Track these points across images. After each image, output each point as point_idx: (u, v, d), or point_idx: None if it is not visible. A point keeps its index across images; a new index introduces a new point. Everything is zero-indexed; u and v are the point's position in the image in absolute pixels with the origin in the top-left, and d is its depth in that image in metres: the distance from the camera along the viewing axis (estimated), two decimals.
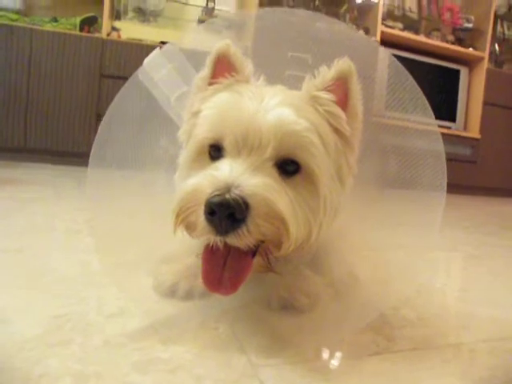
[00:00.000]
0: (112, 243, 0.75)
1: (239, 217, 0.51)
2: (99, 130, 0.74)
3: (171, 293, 0.70)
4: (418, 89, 0.74)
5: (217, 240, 0.54)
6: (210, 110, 0.63)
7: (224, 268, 0.56)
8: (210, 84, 0.68)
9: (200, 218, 0.53)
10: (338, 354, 0.56)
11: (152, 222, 0.80)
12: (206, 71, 0.70)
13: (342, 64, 0.65)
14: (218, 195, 0.51)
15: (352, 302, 0.73)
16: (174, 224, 0.58)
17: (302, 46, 0.83)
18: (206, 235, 0.55)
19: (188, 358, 0.52)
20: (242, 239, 0.53)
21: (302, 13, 0.94)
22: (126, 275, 0.74)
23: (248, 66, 0.68)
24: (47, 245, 1.00)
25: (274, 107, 0.59)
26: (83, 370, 0.48)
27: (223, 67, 0.68)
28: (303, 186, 0.60)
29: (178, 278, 0.71)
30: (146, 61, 0.79)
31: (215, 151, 0.61)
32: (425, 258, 0.73)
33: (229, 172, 0.54)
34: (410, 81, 0.75)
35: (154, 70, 0.77)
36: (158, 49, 0.80)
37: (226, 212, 0.50)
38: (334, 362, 0.55)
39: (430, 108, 0.73)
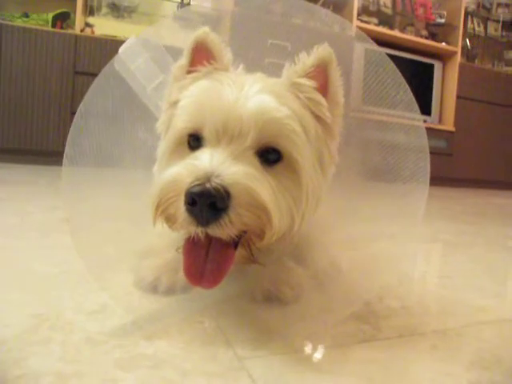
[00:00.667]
0: (91, 241, 0.73)
1: (220, 206, 0.50)
2: (74, 121, 0.71)
3: (152, 288, 0.68)
4: (399, 73, 0.74)
5: (198, 231, 0.52)
6: (188, 98, 0.62)
7: (206, 260, 0.55)
8: (189, 72, 0.67)
9: (180, 209, 0.52)
10: (326, 343, 0.56)
11: (130, 219, 0.78)
12: (183, 60, 0.68)
13: (322, 51, 0.64)
14: (198, 185, 0.49)
15: (336, 291, 0.72)
16: (154, 216, 0.56)
17: (282, 33, 0.82)
18: (186, 227, 0.53)
19: (173, 353, 0.50)
20: (223, 229, 0.51)
21: (280, 2, 0.94)
22: (106, 272, 0.72)
23: (227, 55, 0.67)
24: (22, 244, 0.97)
25: (254, 95, 0.58)
26: (64, 369, 0.46)
27: (202, 55, 0.66)
28: (285, 174, 0.59)
29: (158, 273, 0.70)
30: (122, 49, 0.76)
31: (194, 141, 0.60)
32: (406, 248, 0.73)
33: (209, 161, 0.53)
34: (397, 73, 0.75)
35: (130, 58, 0.75)
36: (133, 37, 0.77)
37: (207, 201, 0.49)
38: (322, 351, 0.54)
39: (415, 102, 0.74)
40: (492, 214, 2.47)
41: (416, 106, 0.74)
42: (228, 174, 0.51)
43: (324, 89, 0.65)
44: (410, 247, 0.81)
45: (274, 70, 0.68)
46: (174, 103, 0.65)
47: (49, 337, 0.53)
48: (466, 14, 4.23)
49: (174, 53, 0.81)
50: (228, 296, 0.68)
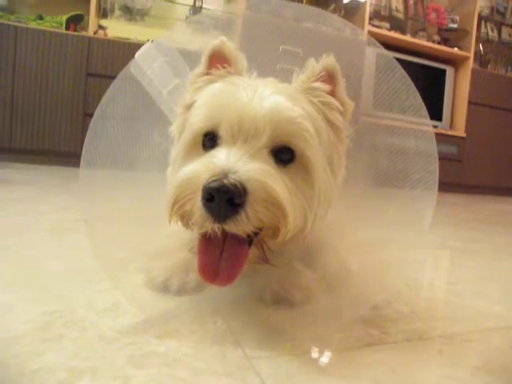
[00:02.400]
0: (105, 241, 0.74)
1: (238, 201, 0.50)
2: (91, 125, 0.73)
3: (163, 288, 0.69)
4: (409, 79, 0.75)
5: (214, 227, 0.53)
6: (203, 99, 0.63)
7: (220, 258, 0.56)
8: (204, 76, 0.68)
9: (197, 205, 0.53)
10: (333, 346, 0.57)
11: (142, 220, 0.79)
12: (201, 68, 0.70)
13: (329, 59, 0.67)
14: (215, 180, 0.50)
15: (344, 294, 0.73)
16: (169, 214, 0.57)
17: (293, 38, 0.83)
18: (203, 223, 0.54)
19: (183, 352, 0.51)
20: (240, 225, 0.52)
21: (293, 7, 0.95)
22: (119, 272, 0.73)
23: (242, 61, 0.69)
24: (35, 243, 0.98)
25: (268, 95, 0.59)
26: (78, 364, 0.47)
27: (218, 62, 0.68)
28: (298, 174, 0.60)
29: (169, 273, 0.71)
30: (138, 53, 0.78)
31: (209, 141, 0.61)
32: (414, 254, 0.74)
33: (226, 158, 0.54)
34: (406, 78, 0.75)
35: (146, 63, 0.77)
36: (149, 42, 0.79)
37: (225, 197, 0.50)
38: (330, 354, 0.55)
39: (424, 107, 0.74)
40: (501, 221, 2.45)
41: (425, 111, 0.75)
42: (245, 170, 0.52)
43: (332, 95, 0.67)
44: (419, 253, 0.81)
45: (286, 76, 0.69)
46: (189, 106, 0.66)
47: (62, 334, 0.54)
48: (480, 18, 4.20)
49: (188, 56, 0.83)
50: (238, 297, 0.69)
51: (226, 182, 0.50)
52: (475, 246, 1.52)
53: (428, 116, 0.74)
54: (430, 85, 4.07)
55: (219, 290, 0.66)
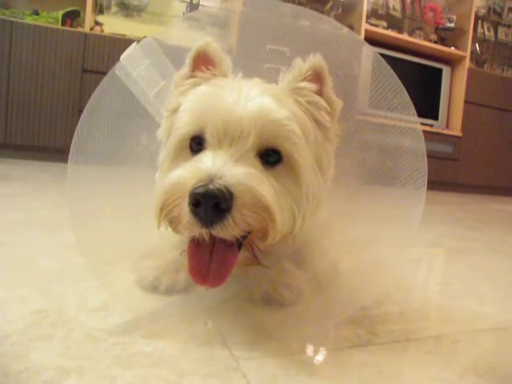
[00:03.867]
0: (94, 239, 0.74)
1: (224, 206, 0.50)
2: (78, 127, 0.72)
3: (153, 288, 0.69)
4: (401, 84, 0.74)
5: (202, 232, 0.53)
6: (189, 102, 0.63)
7: (210, 260, 0.56)
8: (188, 78, 0.68)
9: (184, 210, 0.53)
10: (321, 347, 0.57)
11: (132, 219, 0.79)
12: (185, 69, 0.69)
13: (316, 58, 0.66)
14: (201, 186, 0.50)
15: (334, 295, 0.73)
16: (158, 219, 0.57)
17: (285, 39, 0.83)
18: (190, 228, 0.54)
19: (171, 353, 0.51)
20: (227, 230, 0.52)
21: (288, 7, 0.94)
22: (107, 271, 0.73)
23: (227, 62, 0.68)
24: (27, 240, 0.98)
25: (254, 97, 0.59)
26: (65, 364, 0.47)
27: (202, 64, 0.68)
28: (286, 175, 0.60)
29: (159, 272, 0.71)
30: (123, 56, 0.77)
31: (196, 144, 0.61)
32: (405, 252, 0.74)
33: (211, 163, 0.54)
34: (394, 77, 0.75)
35: (132, 65, 0.76)
36: (135, 44, 0.78)
37: (211, 202, 0.50)
38: (317, 355, 0.55)
39: (412, 105, 0.74)
40: (497, 221, 2.46)
41: (413, 109, 0.74)
42: (230, 175, 0.52)
43: (320, 94, 0.66)
44: (412, 252, 0.80)
45: (274, 75, 0.69)
46: (174, 110, 0.66)
47: (50, 333, 0.54)
48: (477, 18, 4.21)
49: (184, 53, 0.82)
50: (227, 297, 0.68)
51: (211, 187, 0.50)
52: (469, 245, 1.52)
53: (416, 114, 0.74)
54: (426, 84, 4.07)
55: (209, 290, 0.65)
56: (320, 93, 0.67)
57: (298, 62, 0.66)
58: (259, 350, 0.54)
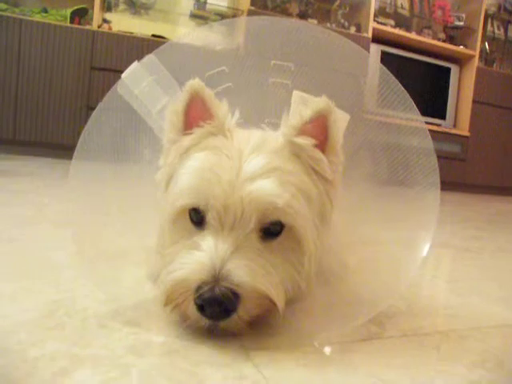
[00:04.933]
0: (92, 235, 0.75)
1: (230, 307, 0.51)
2: (80, 141, 0.73)
3: None
4: (406, 92, 0.74)
5: (209, 324, 0.54)
6: (187, 172, 0.61)
7: None
8: (181, 132, 0.66)
9: (190, 308, 0.53)
10: (330, 339, 0.57)
11: (137, 215, 0.80)
12: (179, 106, 0.66)
13: (320, 102, 0.62)
14: (207, 290, 0.51)
15: (342, 291, 0.73)
16: (164, 305, 0.56)
17: (288, 54, 0.82)
18: (198, 321, 0.54)
19: (183, 343, 0.52)
20: (233, 325, 0.54)
21: (286, 22, 0.94)
22: (115, 266, 0.73)
23: (223, 108, 0.65)
24: (38, 235, 1.00)
25: (255, 178, 0.57)
26: (79, 352, 0.48)
27: (197, 107, 0.65)
28: (287, 245, 0.59)
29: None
30: (125, 75, 0.77)
31: (196, 214, 0.59)
32: (418, 252, 0.73)
33: (214, 254, 0.53)
34: (397, 84, 0.75)
35: (134, 83, 0.76)
36: (136, 62, 0.78)
37: (217, 309, 0.51)
38: (326, 347, 0.55)
39: (417, 110, 0.74)
40: (504, 221, 2.45)
41: (415, 109, 0.74)
42: (235, 275, 0.52)
43: (323, 143, 0.64)
44: (423, 251, 0.80)
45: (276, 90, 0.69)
46: (172, 165, 0.65)
47: (64, 322, 0.55)
48: (486, 16, 4.17)
49: (197, 52, 0.83)
50: None
51: (217, 291, 0.50)
52: (477, 244, 1.52)
53: (419, 113, 0.74)
54: (434, 83, 4.06)
55: None
56: (322, 144, 0.64)
57: (299, 109, 0.64)
58: (269, 342, 0.54)
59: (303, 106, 0.66)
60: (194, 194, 0.59)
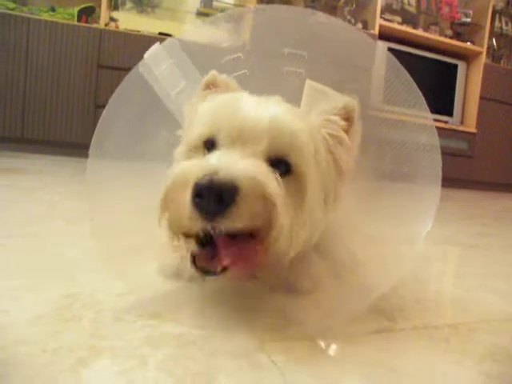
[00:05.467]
0: (110, 229, 0.76)
1: (227, 199, 0.49)
2: (100, 121, 0.74)
3: (176, 276, 0.71)
4: (415, 84, 0.75)
5: (204, 227, 0.52)
6: (206, 107, 0.64)
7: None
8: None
9: (187, 203, 0.51)
10: (342, 331, 0.58)
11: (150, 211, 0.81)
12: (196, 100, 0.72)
13: (352, 101, 0.67)
14: (205, 178, 0.49)
15: (353, 283, 0.74)
16: (161, 209, 0.56)
17: (299, 41, 0.83)
18: (192, 223, 0.52)
19: (198, 334, 0.53)
20: (230, 222, 0.51)
21: (297, 9, 0.95)
22: (128, 260, 0.75)
23: (238, 88, 0.71)
24: (51, 231, 1.01)
25: (270, 106, 0.60)
26: (97, 343, 0.49)
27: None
28: (291, 188, 0.59)
29: (182, 260, 0.72)
30: (147, 54, 0.79)
31: (210, 147, 0.61)
32: (418, 248, 0.73)
33: (218, 158, 0.54)
34: (407, 77, 0.75)
35: (155, 64, 0.78)
36: (158, 43, 0.80)
37: (214, 193, 0.49)
38: (339, 339, 0.56)
39: (425, 103, 0.74)
40: (511, 217, 2.44)
41: (425, 105, 0.74)
42: (237, 167, 0.52)
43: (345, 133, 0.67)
44: (421, 248, 0.80)
45: (293, 79, 0.70)
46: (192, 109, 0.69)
47: (81, 314, 0.56)
48: (494, 12, 4.14)
49: (198, 48, 0.84)
50: (247, 284, 0.70)
51: (216, 178, 0.49)
52: (484, 241, 1.52)
53: (428, 109, 0.74)
54: (441, 80, 4.03)
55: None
56: (346, 132, 0.67)
57: (335, 96, 0.68)
58: (282, 334, 0.56)
59: (322, 97, 0.68)
60: (210, 122, 0.61)
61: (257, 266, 0.57)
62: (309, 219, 0.61)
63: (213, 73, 0.71)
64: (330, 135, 0.65)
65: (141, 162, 0.83)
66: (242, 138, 0.57)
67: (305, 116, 0.65)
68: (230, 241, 0.54)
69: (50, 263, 0.77)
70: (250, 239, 0.55)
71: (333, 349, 0.54)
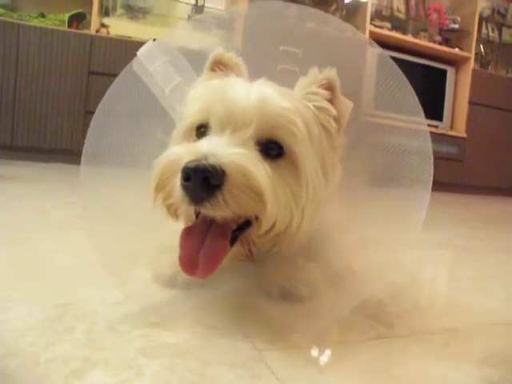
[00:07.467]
0: (109, 237, 0.75)
1: (214, 182, 0.50)
2: (93, 120, 0.73)
3: (171, 283, 0.70)
4: (409, 85, 0.75)
5: (190, 210, 0.55)
6: (198, 93, 0.65)
7: (199, 252, 0.56)
8: None
9: (176, 186, 0.53)
10: (340, 339, 0.58)
11: (146, 217, 0.80)
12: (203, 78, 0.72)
13: (331, 71, 0.67)
14: (193, 161, 0.51)
15: (348, 290, 0.74)
16: (154, 196, 0.58)
17: (293, 40, 0.83)
18: (181, 205, 0.54)
19: (194, 344, 0.52)
20: (217, 208, 0.52)
21: (293, 8, 0.95)
22: (124, 268, 0.74)
23: (242, 66, 0.71)
24: (43, 239, 0.99)
25: (259, 88, 0.61)
26: (90, 355, 0.48)
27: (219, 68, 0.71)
28: (286, 169, 0.59)
29: (176, 268, 0.71)
30: (140, 52, 0.78)
31: (202, 133, 0.62)
32: (405, 254, 0.73)
33: (208, 143, 0.54)
34: (402, 77, 0.76)
35: (149, 61, 0.77)
36: (151, 40, 0.79)
37: (201, 176, 0.50)
38: (337, 346, 0.56)
39: (419, 105, 0.74)
40: (503, 221, 2.46)
41: (421, 111, 0.75)
42: (225, 154, 0.52)
43: (330, 103, 0.67)
44: (410, 253, 0.79)
45: (286, 77, 0.70)
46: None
47: (74, 325, 0.55)
48: (481, 19, 4.21)
49: (189, 54, 0.83)
50: (244, 292, 0.69)
51: (203, 162, 0.50)
52: (476, 244, 1.53)
53: (423, 115, 0.74)
54: (430, 85, 4.07)
55: (226, 285, 0.66)
56: (330, 102, 0.67)
57: (313, 70, 0.68)
58: (279, 342, 0.55)
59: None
60: (201, 109, 0.62)
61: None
62: (311, 196, 0.61)
63: (220, 50, 0.72)
64: (317, 108, 0.65)
65: (135, 165, 0.82)
66: (231, 123, 0.58)
67: (292, 93, 0.66)
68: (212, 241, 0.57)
69: (42, 272, 0.76)
70: (219, 238, 0.57)
71: (331, 357, 0.53)
